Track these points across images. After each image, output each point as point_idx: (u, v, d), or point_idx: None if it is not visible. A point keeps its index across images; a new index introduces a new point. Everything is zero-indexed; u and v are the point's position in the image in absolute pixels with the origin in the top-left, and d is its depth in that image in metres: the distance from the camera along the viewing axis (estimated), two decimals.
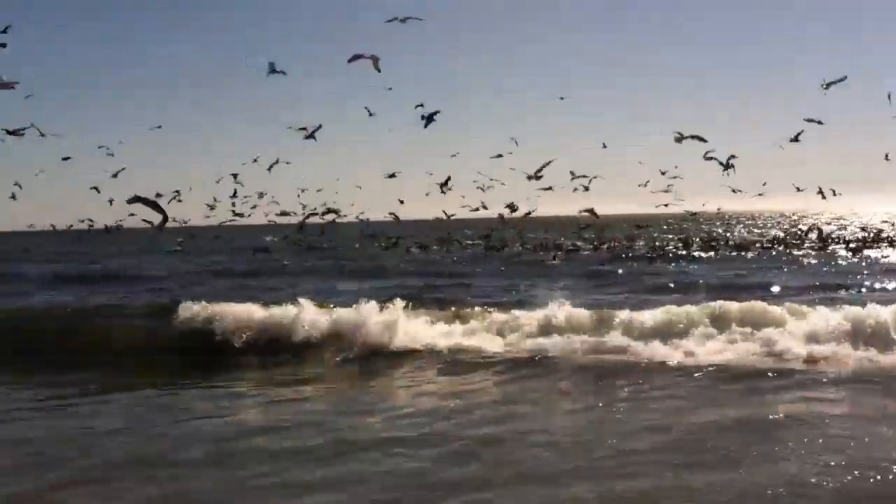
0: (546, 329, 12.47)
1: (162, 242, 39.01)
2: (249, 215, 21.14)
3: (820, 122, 12.54)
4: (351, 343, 12.03)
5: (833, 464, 6.30)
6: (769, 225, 69.79)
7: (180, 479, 6.42)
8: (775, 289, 18.77)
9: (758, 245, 36.57)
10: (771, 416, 7.78)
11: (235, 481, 6.37)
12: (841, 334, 11.36)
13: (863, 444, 6.83)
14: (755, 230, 56.35)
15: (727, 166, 13.45)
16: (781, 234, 43.93)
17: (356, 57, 9.63)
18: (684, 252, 33.18)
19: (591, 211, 14.71)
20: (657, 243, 36.46)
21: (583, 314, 13.01)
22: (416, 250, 34.90)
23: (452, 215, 21.81)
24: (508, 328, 12.82)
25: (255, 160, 16.40)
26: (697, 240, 39.20)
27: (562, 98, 17.54)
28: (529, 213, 18.67)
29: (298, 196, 20.81)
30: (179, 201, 17.46)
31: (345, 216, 20.87)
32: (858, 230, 47.49)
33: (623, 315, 12.84)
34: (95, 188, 17.84)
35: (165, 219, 8.96)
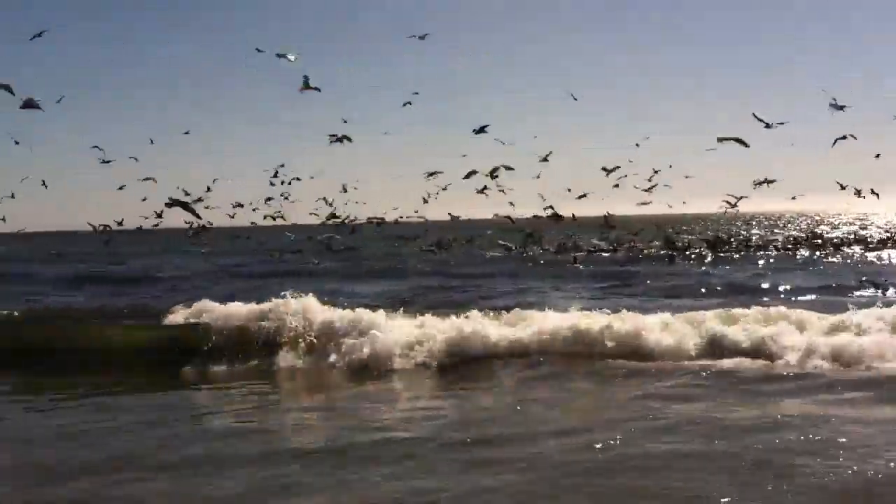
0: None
1: (190, 243, 38.72)
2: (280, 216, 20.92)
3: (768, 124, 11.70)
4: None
5: None
6: (787, 225, 68.65)
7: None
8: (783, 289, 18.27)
9: (779, 245, 35.95)
10: None
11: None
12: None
13: None
14: (776, 230, 55.51)
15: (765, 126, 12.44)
16: (804, 235, 43.08)
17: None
18: (706, 252, 32.54)
19: (553, 212, 14.75)
20: (678, 244, 35.74)
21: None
22: (436, 250, 34.60)
23: (458, 217, 21.57)
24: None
25: (277, 173, 16.82)
26: (718, 239, 38.67)
27: (575, 98, 16.91)
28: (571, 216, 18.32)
29: (330, 201, 20.76)
30: (207, 207, 17.33)
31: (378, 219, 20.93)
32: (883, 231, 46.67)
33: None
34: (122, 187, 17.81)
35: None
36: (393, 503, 5.70)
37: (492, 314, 12.82)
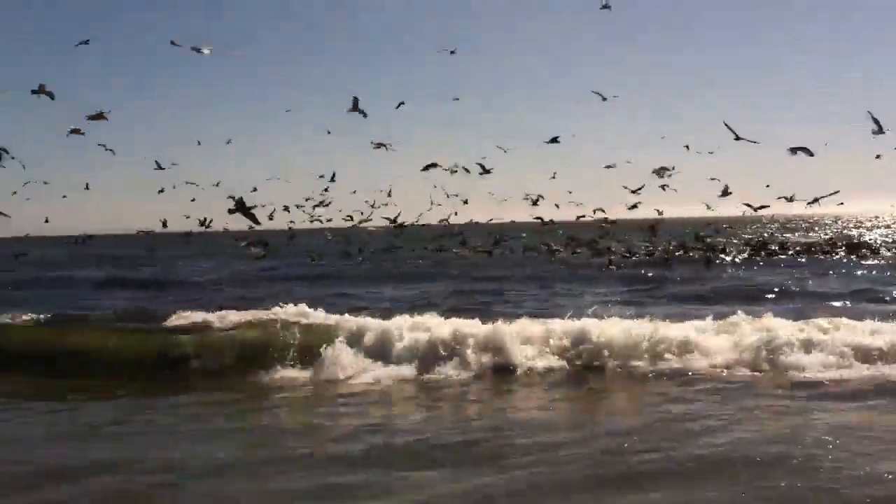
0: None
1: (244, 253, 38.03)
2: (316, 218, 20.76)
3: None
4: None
5: None
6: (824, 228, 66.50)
7: None
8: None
9: (817, 248, 34.72)
10: None
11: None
12: None
13: None
14: (811, 234, 53.82)
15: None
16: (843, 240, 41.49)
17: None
18: (743, 256, 31.63)
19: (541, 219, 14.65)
20: (715, 248, 34.61)
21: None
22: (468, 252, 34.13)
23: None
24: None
25: (322, 176, 16.70)
26: (760, 242, 37.65)
27: (606, 98, 15.93)
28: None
29: (372, 203, 20.64)
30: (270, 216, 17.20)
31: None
32: None
33: None
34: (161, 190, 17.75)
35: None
36: None
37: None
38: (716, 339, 10.68)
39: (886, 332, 10.58)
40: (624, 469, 6.23)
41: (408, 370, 10.34)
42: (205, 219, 20.88)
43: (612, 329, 10.77)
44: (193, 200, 18.61)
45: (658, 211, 18.92)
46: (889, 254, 31.24)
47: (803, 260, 30.02)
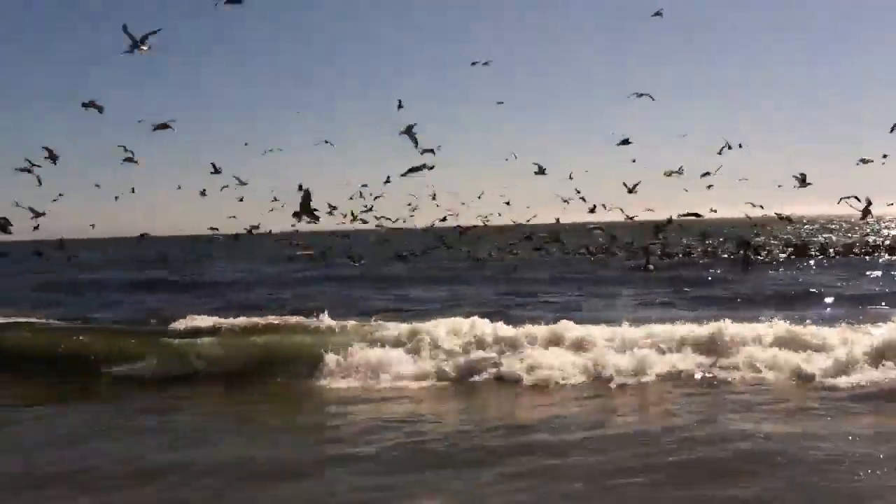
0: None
1: (288, 249, 38.09)
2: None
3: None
4: None
5: None
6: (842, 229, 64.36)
7: None
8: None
9: (860, 250, 33.72)
10: None
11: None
12: None
13: None
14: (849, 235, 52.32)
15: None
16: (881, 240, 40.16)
17: None
18: (781, 258, 31.07)
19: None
20: (756, 249, 33.79)
21: None
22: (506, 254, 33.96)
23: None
24: None
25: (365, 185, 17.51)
26: (803, 242, 36.88)
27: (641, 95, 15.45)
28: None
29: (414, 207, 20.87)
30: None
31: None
32: None
33: None
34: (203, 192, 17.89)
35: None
36: None
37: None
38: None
39: None
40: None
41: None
42: (251, 227, 21.12)
43: None
44: (241, 200, 18.56)
45: (713, 210, 18.88)
46: None
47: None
